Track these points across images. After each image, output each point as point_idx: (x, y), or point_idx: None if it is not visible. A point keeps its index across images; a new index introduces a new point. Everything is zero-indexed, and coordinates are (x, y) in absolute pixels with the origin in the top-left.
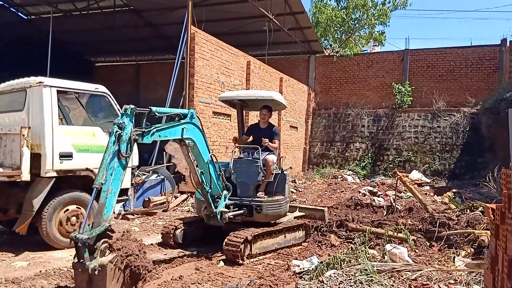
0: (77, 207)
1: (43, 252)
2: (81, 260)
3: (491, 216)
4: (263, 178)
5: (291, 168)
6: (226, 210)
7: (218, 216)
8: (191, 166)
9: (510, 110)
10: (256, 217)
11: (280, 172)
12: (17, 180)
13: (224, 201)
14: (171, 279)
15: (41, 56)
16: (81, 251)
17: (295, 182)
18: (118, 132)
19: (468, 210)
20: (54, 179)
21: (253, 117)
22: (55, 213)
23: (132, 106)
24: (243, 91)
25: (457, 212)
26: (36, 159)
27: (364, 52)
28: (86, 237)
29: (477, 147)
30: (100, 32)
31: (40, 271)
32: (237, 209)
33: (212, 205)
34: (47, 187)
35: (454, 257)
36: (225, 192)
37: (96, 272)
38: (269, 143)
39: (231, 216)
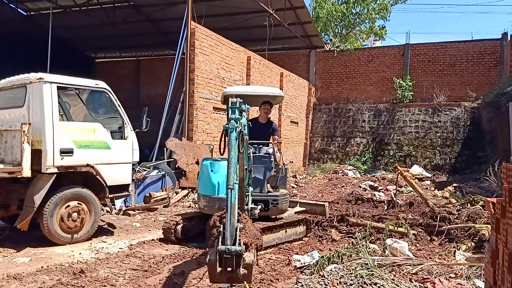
0: (78, 203)
1: (44, 248)
2: (228, 269)
3: (492, 210)
4: (274, 173)
5: (291, 162)
6: (254, 206)
7: (249, 213)
8: (241, 162)
9: (511, 104)
10: (272, 211)
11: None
12: (18, 177)
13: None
14: (173, 275)
15: (41, 52)
16: (232, 261)
17: (296, 177)
18: (239, 128)
19: (469, 205)
20: (55, 175)
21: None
22: (56, 209)
23: (240, 100)
24: (251, 87)
25: (458, 206)
26: (37, 155)
27: (365, 46)
28: (239, 249)
29: (478, 141)
30: (100, 28)
31: (42, 267)
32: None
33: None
34: (48, 183)
35: (454, 251)
36: (250, 188)
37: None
38: (278, 139)
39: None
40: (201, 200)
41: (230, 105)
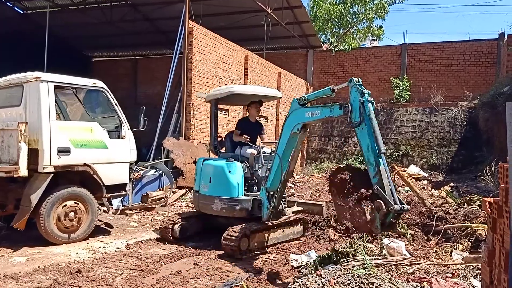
0: (75, 203)
1: (41, 247)
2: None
3: (489, 210)
4: None
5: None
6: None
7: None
8: (296, 154)
9: (508, 104)
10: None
11: None
12: (15, 176)
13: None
14: (170, 274)
15: (38, 51)
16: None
17: (293, 177)
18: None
19: (466, 204)
20: (52, 174)
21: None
22: (53, 209)
23: (356, 79)
24: (253, 87)
25: (455, 206)
26: (33, 154)
27: (362, 46)
28: (407, 207)
29: (475, 141)
30: (97, 27)
31: (39, 267)
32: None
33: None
34: (44, 182)
35: (451, 251)
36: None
37: None
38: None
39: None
40: (215, 202)
41: (358, 83)
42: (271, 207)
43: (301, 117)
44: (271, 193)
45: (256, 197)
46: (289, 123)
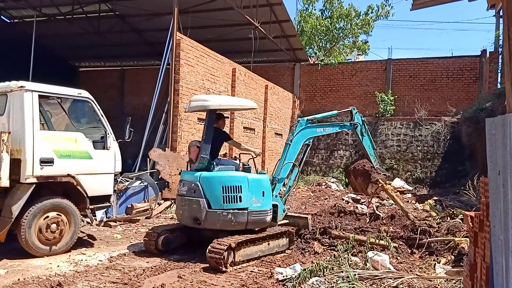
0: (57, 214)
1: (21, 260)
2: None
3: (470, 223)
4: None
5: None
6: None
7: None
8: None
9: (487, 120)
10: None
11: None
12: None
13: None
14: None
15: (24, 60)
16: None
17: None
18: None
19: (449, 218)
20: (34, 185)
21: (238, 124)
22: (34, 220)
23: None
24: (228, 100)
25: (438, 219)
26: (16, 164)
27: (348, 61)
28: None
29: (458, 155)
30: (84, 37)
31: (18, 279)
32: None
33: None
34: (26, 193)
35: (434, 264)
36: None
37: None
38: None
39: None
40: (268, 214)
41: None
42: (287, 208)
43: (313, 132)
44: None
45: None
46: (299, 138)
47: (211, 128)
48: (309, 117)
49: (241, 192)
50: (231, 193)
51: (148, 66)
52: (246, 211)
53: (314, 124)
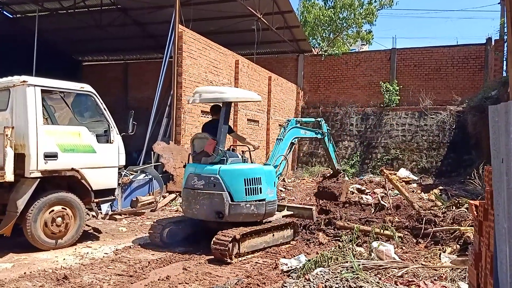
0: (62, 208)
1: (27, 253)
2: None
3: (475, 212)
4: None
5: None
6: None
7: None
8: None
9: (490, 107)
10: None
11: None
12: (1, 181)
13: None
14: (158, 279)
15: (27, 55)
16: None
17: (284, 181)
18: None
19: (454, 207)
20: (39, 179)
21: (242, 116)
22: (40, 214)
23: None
24: (236, 92)
25: (443, 209)
26: (20, 159)
27: (352, 51)
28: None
29: (463, 144)
30: (87, 31)
31: (25, 273)
32: None
33: None
34: (31, 187)
35: (440, 254)
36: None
37: None
38: None
39: None
40: (275, 204)
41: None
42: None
43: (298, 133)
44: None
45: None
46: (289, 135)
47: (228, 120)
48: (298, 119)
49: (261, 184)
50: (252, 185)
51: (151, 59)
52: (265, 202)
53: (300, 126)
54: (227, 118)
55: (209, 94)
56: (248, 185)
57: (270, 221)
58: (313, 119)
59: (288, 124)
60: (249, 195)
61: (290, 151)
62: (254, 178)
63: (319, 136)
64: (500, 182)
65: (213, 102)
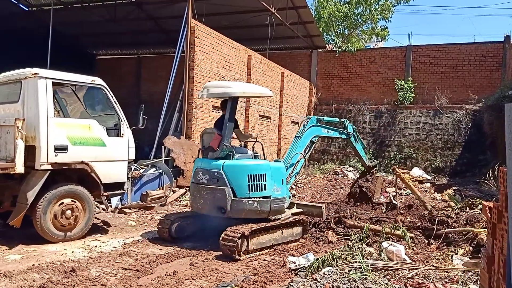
0: (72, 201)
1: (37, 245)
2: None
3: (488, 214)
4: None
5: None
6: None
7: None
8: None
9: (507, 105)
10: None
11: None
12: (11, 173)
13: None
14: (165, 275)
15: (42, 48)
16: None
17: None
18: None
19: (468, 208)
20: (49, 172)
21: (254, 112)
22: (49, 206)
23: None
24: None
25: (457, 210)
26: (30, 151)
27: (367, 47)
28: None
29: (479, 144)
30: (101, 25)
31: (33, 265)
32: None
33: None
34: (41, 180)
35: (452, 256)
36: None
37: None
38: None
39: None
40: (285, 201)
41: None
42: (292, 195)
43: (319, 131)
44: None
45: None
46: (309, 133)
47: (234, 116)
48: (319, 117)
49: (265, 181)
50: (256, 181)
51: (164, 53)
52: (270, 199)
53: (321, 125)
54: (232, 113)
55: (216, 89)
56: (252, 181)
57: (279, 219)
58: (336, 119)
59: (308, 122)
60: (252, 191)
61: (310, 150)
62: (259, 174)
63: (343, 136)
64: None
65: (220, 97)
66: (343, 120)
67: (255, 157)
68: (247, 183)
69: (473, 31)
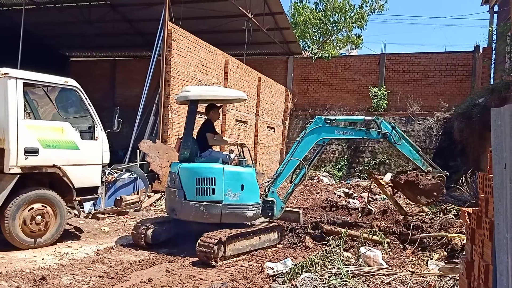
0: (42, 206)
1: (5, 252)
2: None
3: (467, 220)
4: None
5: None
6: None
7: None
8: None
9: (492, 110)
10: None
11: None
12: None
13: None
14: (140, 282)
15: (13, 49)
16: None
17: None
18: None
19: (441, 213)
20: (18, 175)
21: (230, 116)
22: (18, 212)
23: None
24: (216, 90)
25: (431, 215)
26: None
27: (342, 55)
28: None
29: (449, 151)
30: (75, 26)
31: (1, 272)
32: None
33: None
34: (10, 184)
35: (427, 260)
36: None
37: None
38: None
39: None
40: (249, 209)
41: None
42: (284, 206)
43: (330, 133)
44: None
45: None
46: (312, 137)
47: (191, 120)
48: (328, 117)
49: (214, 185)
50: (204, 185)
51: (140, 57)
52: (220, 204)
53: (333, 125)
54: (191, 117)
55: (180, 93)
56: (199, 185)
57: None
58: (361, 118)
59: (311, 123)
60: (199, 195)
61: (316, 155)
62: (206, 178)
63: (371, 137)
64: (502, 189)
65: (181, 101)
66: (374, 117)
67: (240, 162)
68: (195, 186)
69: (444, 41)
